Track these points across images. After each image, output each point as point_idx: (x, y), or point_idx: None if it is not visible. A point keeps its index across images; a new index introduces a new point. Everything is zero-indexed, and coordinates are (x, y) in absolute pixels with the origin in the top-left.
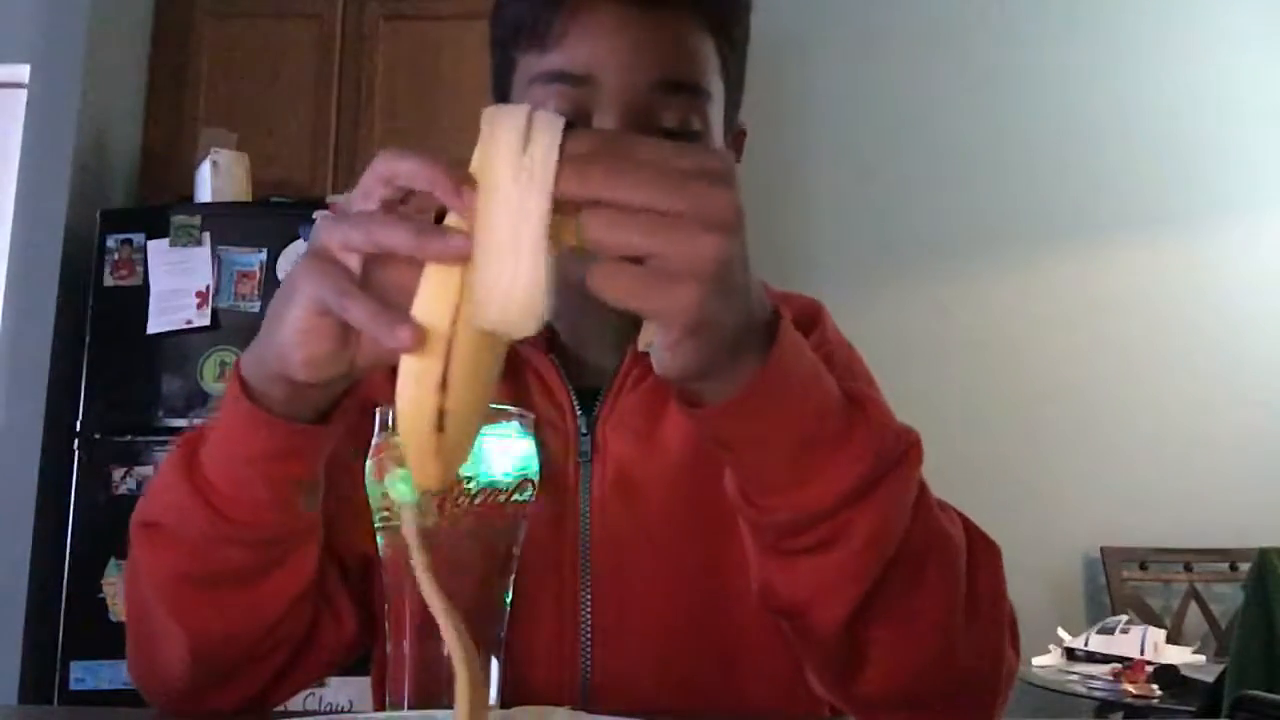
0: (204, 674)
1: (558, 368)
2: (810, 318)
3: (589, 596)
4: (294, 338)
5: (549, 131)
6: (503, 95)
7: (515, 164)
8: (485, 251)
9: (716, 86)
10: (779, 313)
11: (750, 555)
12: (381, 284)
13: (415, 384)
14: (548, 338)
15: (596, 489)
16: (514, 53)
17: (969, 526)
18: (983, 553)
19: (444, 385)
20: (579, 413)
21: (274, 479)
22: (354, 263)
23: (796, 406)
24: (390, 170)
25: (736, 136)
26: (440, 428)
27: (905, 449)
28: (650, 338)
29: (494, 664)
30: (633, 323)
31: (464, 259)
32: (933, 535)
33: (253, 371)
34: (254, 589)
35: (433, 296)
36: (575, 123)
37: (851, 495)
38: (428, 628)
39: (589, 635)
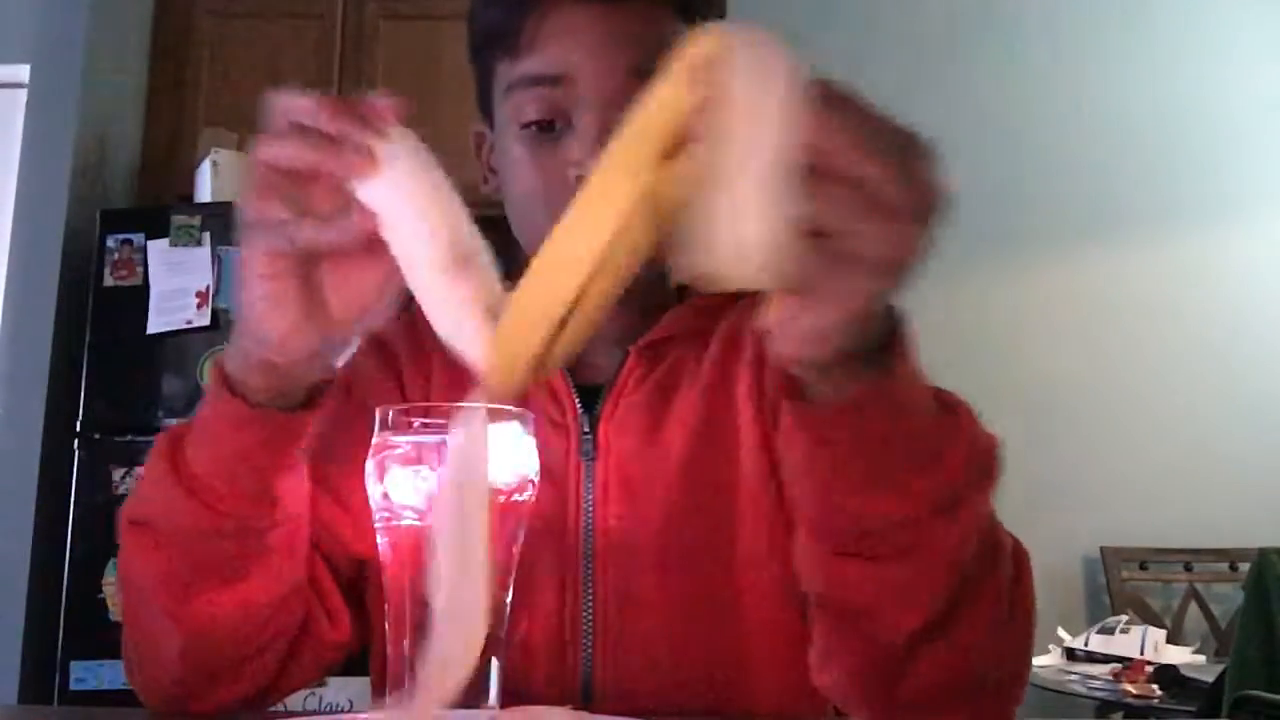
0: (196, 671)
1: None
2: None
3: (590, 597)
4: (261, 310)
5: (789, 67)
6: (485, 101)
7: (756, 90)
8: (719, 183)
9: None
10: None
11: (806, 553)
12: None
13: (561, 277)
14: None
15: (599, 488)
16: (490, 60)
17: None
18: (1021, 560)
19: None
20: (581, 411)
21: (260, 470)
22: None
23: (909, 412)
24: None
25: None
26: (561, 323)
27: (990, 463)
28: (780, 316)
29: (494, 664)
30: (637, 321)
31: (368, 169)
32: (995, 547)
33: (234, 364)
34: (244, 582)
35: (605, 200)
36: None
37: (941, 506)
38: (428, 627)
39: (590, 635)
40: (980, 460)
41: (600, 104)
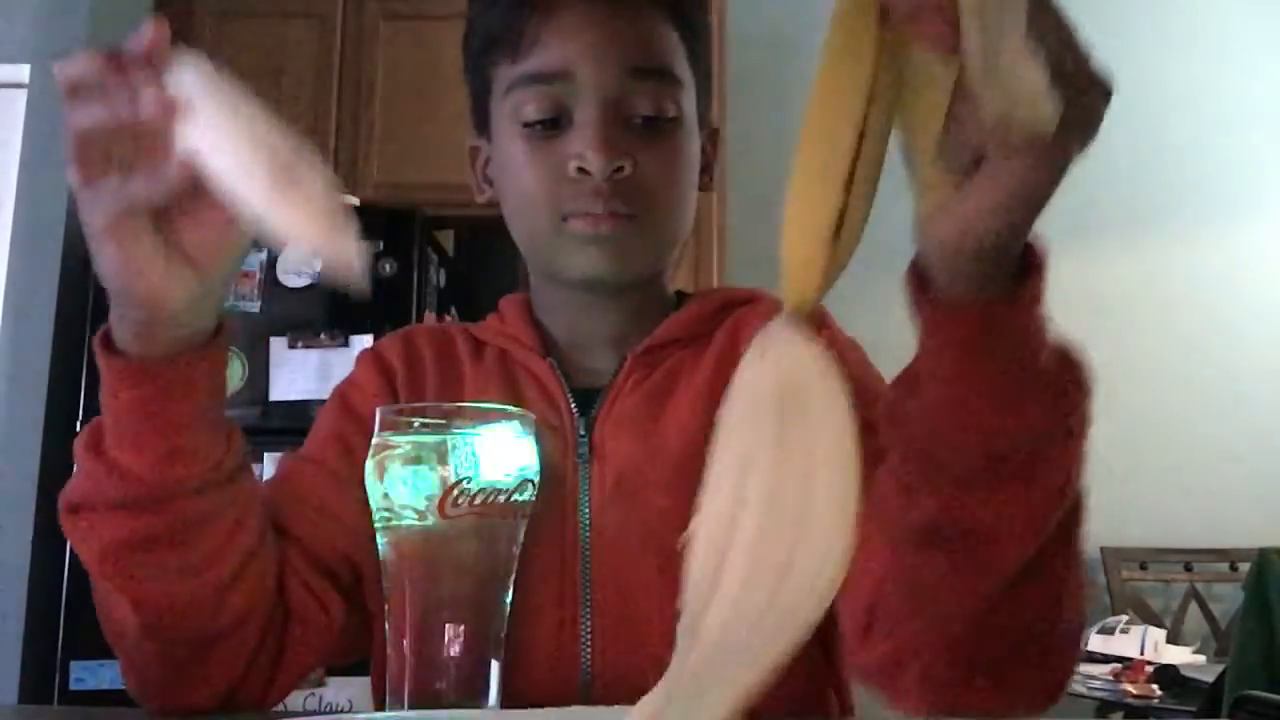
0: (163, 649)
1: (555, 370)
2: (816, 320)
3: (589, 598)
4: (122, 273)
5: None
6: (482, 117)
7: None
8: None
9: (686, 74)
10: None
11: (915, 489)
12: None
13: (818, 179)
14: (542, 341)
15: (596, 490)
16: (489, 67)
17: None
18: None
19: (848, 183)
20: (576, 414)
21: (161, 427)
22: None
23: (1035, 331)
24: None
25: (711, 134)
26: (836, 233)
27: (1091, 407)
28: (944, 199)
29: (494, 664)
30: (631, 323)
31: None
32: (1082, 495)
33: (115, 329)
34: (185, 549)
35: (843, 80)
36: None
37: (1061, 433)
38: (428, 628)
39: (589, 636)
40: (1089, 400)
41: (600, 98)
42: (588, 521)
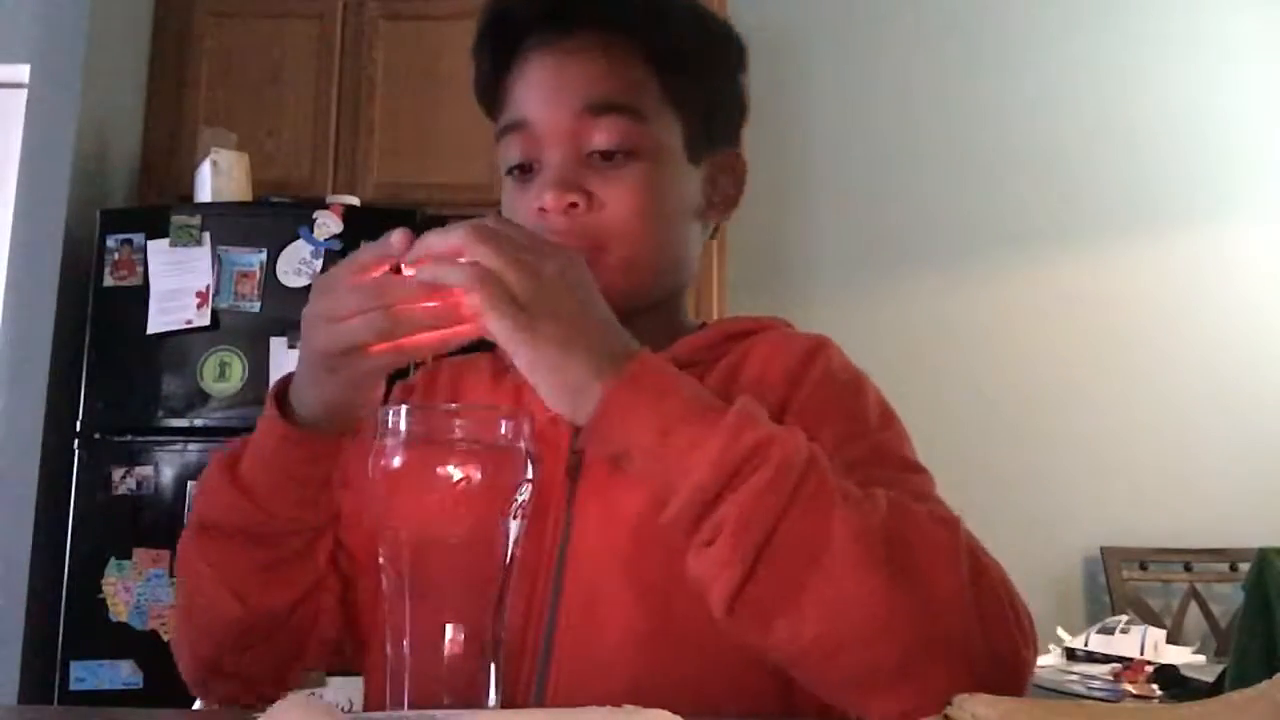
0: (235, 645)
1: None
2: (808, 354)
3: (555, 614)
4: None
5: None
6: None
7: None
8: None
9: (657, 109)
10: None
11: None
12: None
13: None
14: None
15: (580, 503)
16: (490, 116)
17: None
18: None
19: None
20: (574, 432)
21: (304, 483)
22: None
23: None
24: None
25: (724, 162)
26: None
27: (758, 458)
28: None
29: (493, 666)
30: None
31: None
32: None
33: (298, 394)
34: (294, 568)
35: None
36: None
37: (710, 488)
38: (427, 629)
39: (547, 653)
40: (745, 455)
41: (554, 141)
42: (566, 538)
